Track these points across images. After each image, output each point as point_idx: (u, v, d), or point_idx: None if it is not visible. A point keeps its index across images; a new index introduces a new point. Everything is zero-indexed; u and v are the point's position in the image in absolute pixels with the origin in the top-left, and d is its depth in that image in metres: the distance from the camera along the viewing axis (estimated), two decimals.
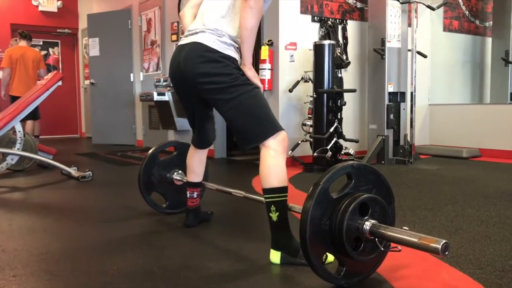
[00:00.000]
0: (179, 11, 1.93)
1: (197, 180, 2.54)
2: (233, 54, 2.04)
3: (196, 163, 2.51)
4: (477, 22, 6.80)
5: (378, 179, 1.75)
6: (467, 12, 6.67)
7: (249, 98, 2.00)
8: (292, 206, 1.98)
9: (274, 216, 1.92)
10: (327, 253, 1.81)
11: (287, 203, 1.96)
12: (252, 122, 1.99)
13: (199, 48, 2.04)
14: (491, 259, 1.97)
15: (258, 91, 2.05)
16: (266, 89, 4.92)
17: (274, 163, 1.94)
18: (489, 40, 6.93)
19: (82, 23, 9.76)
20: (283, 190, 1.93)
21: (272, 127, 1.98)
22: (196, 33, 2.10)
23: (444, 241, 1.41)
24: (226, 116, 2.07)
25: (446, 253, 1.41)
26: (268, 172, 1.93)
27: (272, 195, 1.92)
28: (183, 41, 2.16)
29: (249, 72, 2.05)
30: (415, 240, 1.49)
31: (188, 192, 2.55)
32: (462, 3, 6.62)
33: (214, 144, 5.71)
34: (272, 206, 1.92)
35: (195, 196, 2.56)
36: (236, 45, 2.06)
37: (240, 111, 2.00)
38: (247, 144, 2.04)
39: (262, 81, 4.85)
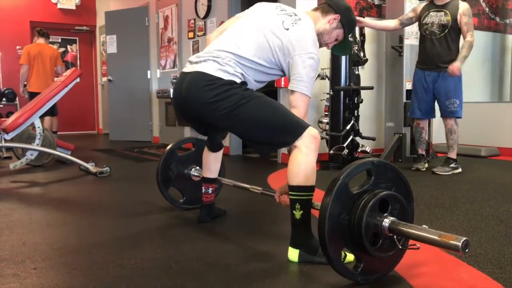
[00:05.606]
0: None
1: (212, 176, 2.56)
2: (238, 80, 1.99)
3: (212, 161, 2.54)
4: (497, 19, 6.69)
5: (397, 177, 1.74)
6: (487, 9, 6.56)
7: (261, 110, 1.95)
8: None
9: (298, 214, 1.89)
10: (347, 253, 1.81)
11: (312, 202, 1.92)
12: (273, 130, 1.94)
13: (200, 78, 1.99)
14: (511, 258, 1.94)
15: (266, 99, 1.99)
16: (283, 86, 4.91)
17: (304, 160, 1.88)
18: (509, 38, 6.82)
19: (100, 21, 9.84)
20: (310, 189, 1.90)
21: (297, 127, 1.92)
22: (199, 62, 2.04)
23: (464, 238, 1.40)
24: (245, 136, 2.06)
25: (467, 250, 1.40)
26: (298, 170, 1.88)
27: (299, 193, 1.88)
28: (187, 68, 2.10)
29: None
30: (435, 237, 1.48)
31: (203, 188, 2.57)
32: (482, 0, 6.52)
33: (230, 141, 5.78)
34: (297, 204, 1.89)
35: (210, 191, 2.57)
36: (240, 72, 2.00)
37: (257, 125, 1.96)
38: (270, 150, 2.06)
39: (278, 80, 4.83)
